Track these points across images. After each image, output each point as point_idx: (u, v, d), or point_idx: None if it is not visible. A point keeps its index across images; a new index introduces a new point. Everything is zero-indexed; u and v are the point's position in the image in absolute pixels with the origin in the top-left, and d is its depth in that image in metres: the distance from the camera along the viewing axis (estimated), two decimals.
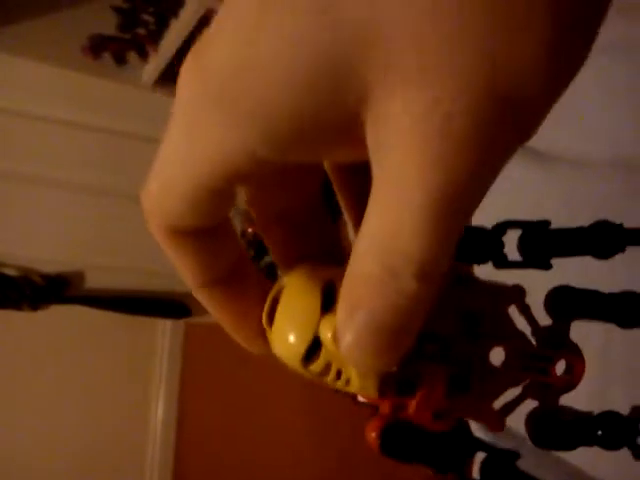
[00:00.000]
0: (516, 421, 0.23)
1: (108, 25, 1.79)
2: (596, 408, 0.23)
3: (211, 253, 0.17)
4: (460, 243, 0.13)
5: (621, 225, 0.23)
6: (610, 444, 0.23)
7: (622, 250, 0.23)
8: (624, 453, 0.28)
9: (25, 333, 1.64)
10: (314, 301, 0.16)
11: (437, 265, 0.13)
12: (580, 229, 0.23)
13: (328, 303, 0.16)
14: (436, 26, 0.11)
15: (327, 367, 0.16)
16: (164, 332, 1.81)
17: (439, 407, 0.18)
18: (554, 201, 0.43)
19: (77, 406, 1.70)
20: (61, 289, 1.67)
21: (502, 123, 0.12)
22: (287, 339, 0.17)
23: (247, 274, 0.18)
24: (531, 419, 0.22)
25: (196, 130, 0.14)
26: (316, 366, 0.16)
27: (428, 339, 0.18)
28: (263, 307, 0.18)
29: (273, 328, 0.17)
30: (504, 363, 0.20)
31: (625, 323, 0.22)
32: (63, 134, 1.75)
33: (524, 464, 0.22)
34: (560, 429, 0.22)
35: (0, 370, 1.59)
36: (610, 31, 0.36)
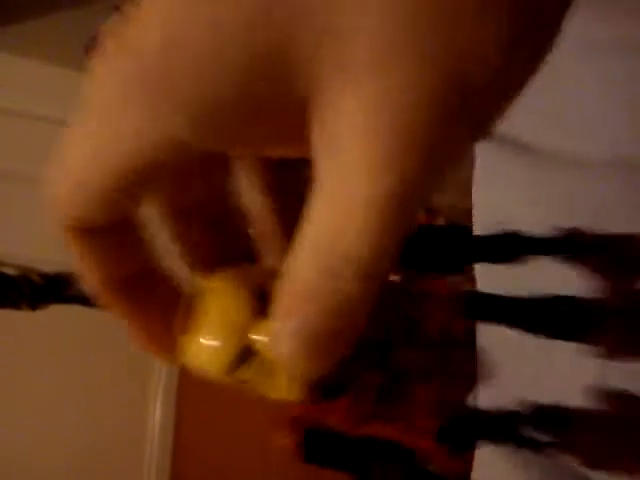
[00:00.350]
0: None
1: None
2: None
3: (117, 254, 0.16)
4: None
5: (518, 234, 0.23)
6: (497, 437, 0.24)
7: (520, 257, 0.24)
8: None
9: (24, 332, 1.63)
10: (245, 306, 0.16)
11: (380, 265, 0.12)
12: (490, 237, 0.24)
13: (260, 308, 0.16)
14: (386, 19, 0.11)
15: (254, 373, 0.16)
16: None
17: (365, 413, 0.18)
18: (553, 200, 0.43)
19: (75, 406, 1.69)
20: (60, 288, 1.67)
21: (452, 117, 0.11)
22: (213, 347, 0.16)
23: (156, 279, 0.17)
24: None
25: (114, 117, 0.13)
26: (242, 373, 0.16)
27: (365, 345, 0.18)
28: (173, 315, 0.17)
29: (192, 336, 0.16)
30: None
31: (532, 329, 0.22)
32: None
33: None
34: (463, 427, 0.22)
35: None
36: (610, 31, 0.36)
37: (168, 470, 1.79)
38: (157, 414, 1.81)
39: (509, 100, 0.12)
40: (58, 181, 0.15)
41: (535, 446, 0.26)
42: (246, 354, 0.16)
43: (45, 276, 1.78)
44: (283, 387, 0.16)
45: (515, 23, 0.11)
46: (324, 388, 0.17)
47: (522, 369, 0.45)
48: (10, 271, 1.75)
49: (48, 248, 1.69)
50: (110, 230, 0.16)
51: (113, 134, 0.13)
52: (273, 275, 0.16)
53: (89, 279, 0.16)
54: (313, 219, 0.13)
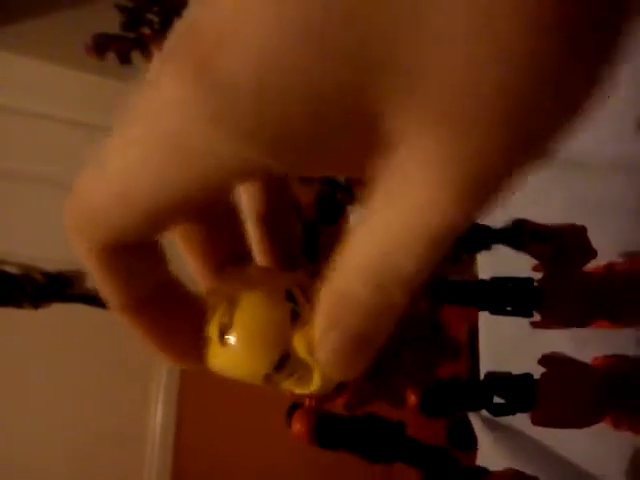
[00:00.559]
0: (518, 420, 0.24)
1: (112, 24, 1.79)
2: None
3: (142, 270, 0.16)
4: None
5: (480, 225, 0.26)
6: (473, 406, 0.28)
7: (487, 248, 0.27)
8: (623, 444, 0.29)
9: (26, 331, 1.64)
10: (282, 314, 0.16)
11: (421, 280, 0.13)
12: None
13: (293, 314, 0.16)
14: (470, 73, 0.11)
15: (290, 375, 0.17)
16: None
17: (365, 397, 0.20)
18: (553, 200, 0.43)
19: (76, 405, 1.70)
20: (63, 287, 1.67)
21: (514, 158, 0.12)
22: (254, 354, 0.16)
23: (175, 289, 0.18)
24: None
25: (182, 141, 0.13)
26: (280, 376, 0.17)
27: None
28: (192, 323, 0.17)
29: (231, 343, 0.16)
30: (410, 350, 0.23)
31: (493, 309, 0.26)
32: (66, 132, 1.75)
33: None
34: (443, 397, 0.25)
35: (0, 368, 1.59)
36: None
37: (169, 470, 1.79)
38: (158, 414, 1.81)
39: (566, 129, 0.13)
40: (100, 202, 0.14)
41: (508, 413, 0.29)
42: (283, 360, 0.16)
43: (47, 275, 1.77)
44: (312, 384, 0.17)
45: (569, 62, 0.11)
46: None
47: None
48: (12, 269, 1.75)
49: (50, 246, 1.69)
50: (140, 246, 0.16)
51: (183, 159, 0.13)
52: (295, 279, 0.17)
53: (113, 301, 0.16)
54: (364, 237, 0.14)
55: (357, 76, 0.12)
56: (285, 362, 0.16)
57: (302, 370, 0.17)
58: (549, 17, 0.10)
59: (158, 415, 1.81)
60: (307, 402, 0.20)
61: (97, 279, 0.16)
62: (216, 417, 1.83)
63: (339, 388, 0.18)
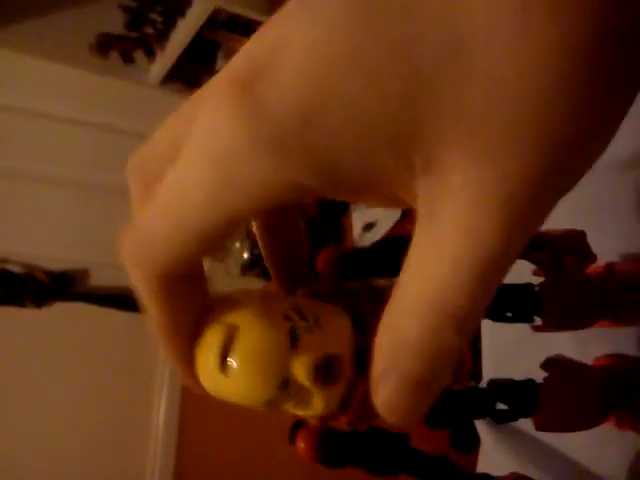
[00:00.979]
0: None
1: (116, 24, 1.80)
2: None
3: (192, 296, 0.17)
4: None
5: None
6: (476, 414, 0.28)
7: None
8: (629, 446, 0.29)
9: (29, 330, 1.64)
10: (280, 340, 0.16)
11: (475, 322, 0.13)
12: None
13: (292, 339, 0.16)
14: (502, 110, 0.12)
15: (291, 399, 0.17)
16: None
17: (370, 415, 0.20)
18: None
19: (79, 404, 1.70)
20: (65, 286, 1.68)
21: (552, 192, 0.13)
22: (254, 381, 0.16)
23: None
24: None
25: (232, 164, 0.13)
26: (281, 401, 0.16)
27: (368, 355, 0.19)
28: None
29: (233, 372, 0.16)
30: None
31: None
32: (70, 132, 1.76)
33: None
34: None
35: (3, 367, 1.60)
36: None
37: (172, 468, 1.79)
38: (161, 412, 1.81)
39: (594, 161, 0.13)
40: (158, 233, 0.15)
41: (511, 419, 0.29)
42: (284, 385, 0.16)
43: (50, 274, 1.78)
44: (314, 408, 0.17)
45: (597, 107, 0.12)
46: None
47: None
48: (15, 269, 1.76)
49: (53, 246, 1.69)
50: (190, 274, 0.16)
51: (231, 181, 0.13)
52: (293, 302, 0.17)
53: (160, 324, 0.17)
54: (415, 277, 0.14)
55: (403, 107, 0.12)
56: (286, 387, 0.16)
57: (303, 394, 0.16)
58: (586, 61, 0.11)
59: (161, 413, 1.82)
60: (310, 422, 0.20)
61: (149, 304, 0.16)
62: (219, 415, 1.83)
63: (342, 407, 0.18)
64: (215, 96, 0.13)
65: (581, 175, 0.13)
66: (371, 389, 0.15)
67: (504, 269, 0.13)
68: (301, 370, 0.16)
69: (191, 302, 0.17)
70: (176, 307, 0.16)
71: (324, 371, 0.16)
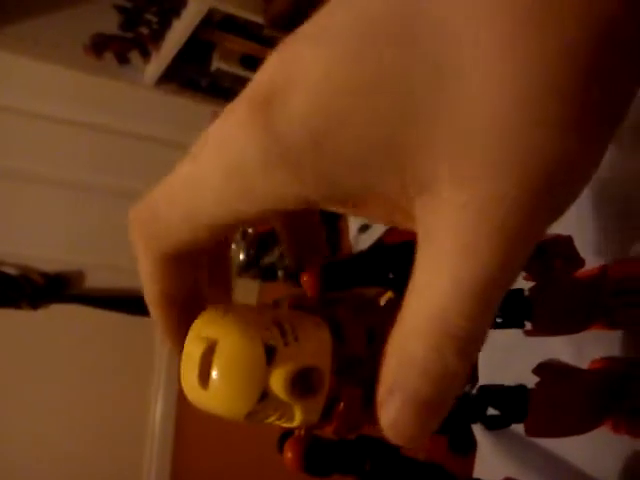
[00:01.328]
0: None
1: (110, 24, 1.79)
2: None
3: (186, 278, 0.18)
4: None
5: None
6: (467, 420, 0.28)
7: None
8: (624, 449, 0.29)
9: (24, 332, 1.64)
10: (258, 355, 0.16)
11: (478, 343, 0.14)
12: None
13: (269, 353, 0.16)
14: (493, 134, 0.12)
15: (272, 412, 0.17)
16: None
17: (355, 424, 0.20)
18: None
19: (75, 404, 1.70)
20: (61, 288, 1.67)
21: (547, 211, 0.13)
22: (233, 395, 0.16)
23: (202, 300, 0.19)
24: None
25: (243, 174, 0.14)
26: (262, 414, 0.17)
27: (350, 364, 0.19)
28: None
29: (212, 386, 0.16)
30: None
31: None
32: (65, 133, 1.75)
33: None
34: None
35: (0, 368, 1.60)
36: None
37: (168, 468, 1.79)
38: (158, 412, 1.81)
39: (588, 181, 0.13)
40: (169, 216, 0.16)
41: (502, 425, 0.29)
42: (263, 399, 0.16)
43: (46, 276, 1.78)
44: (295, 420, 0.17)
45: (588, 125, 0.12)
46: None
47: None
48: (11, 271, 1.75)
49: (48, 247, 1.69)
50: (190, 258, 0.18)
51: (241, 187, 0.15)
52: (274, 315, 0.17)
53: (151, 294, 0.18)
54: (419, 298, 0.14)
55: (402, 127, 0.13)
56: (265, 400, 0.16)
57: (283, 407, 0.17)
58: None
59: (157, 413, 1.82)
60: (296, 432, 0.21)
61: (144, 273, 0.18)
62: (215, 416, 1.83)
63: (326, 417, 0.18)
64: (236, 107, 0.14)
65: (576, 195, 0.13)
66: (377, 411, 0.15)
67: (504, 288, 0.13)
68: (278, 383, 0.16)
69: (185, 282, 0.18)
70: (168, 282, 0.18)
71: (301, 383, 0.16)
